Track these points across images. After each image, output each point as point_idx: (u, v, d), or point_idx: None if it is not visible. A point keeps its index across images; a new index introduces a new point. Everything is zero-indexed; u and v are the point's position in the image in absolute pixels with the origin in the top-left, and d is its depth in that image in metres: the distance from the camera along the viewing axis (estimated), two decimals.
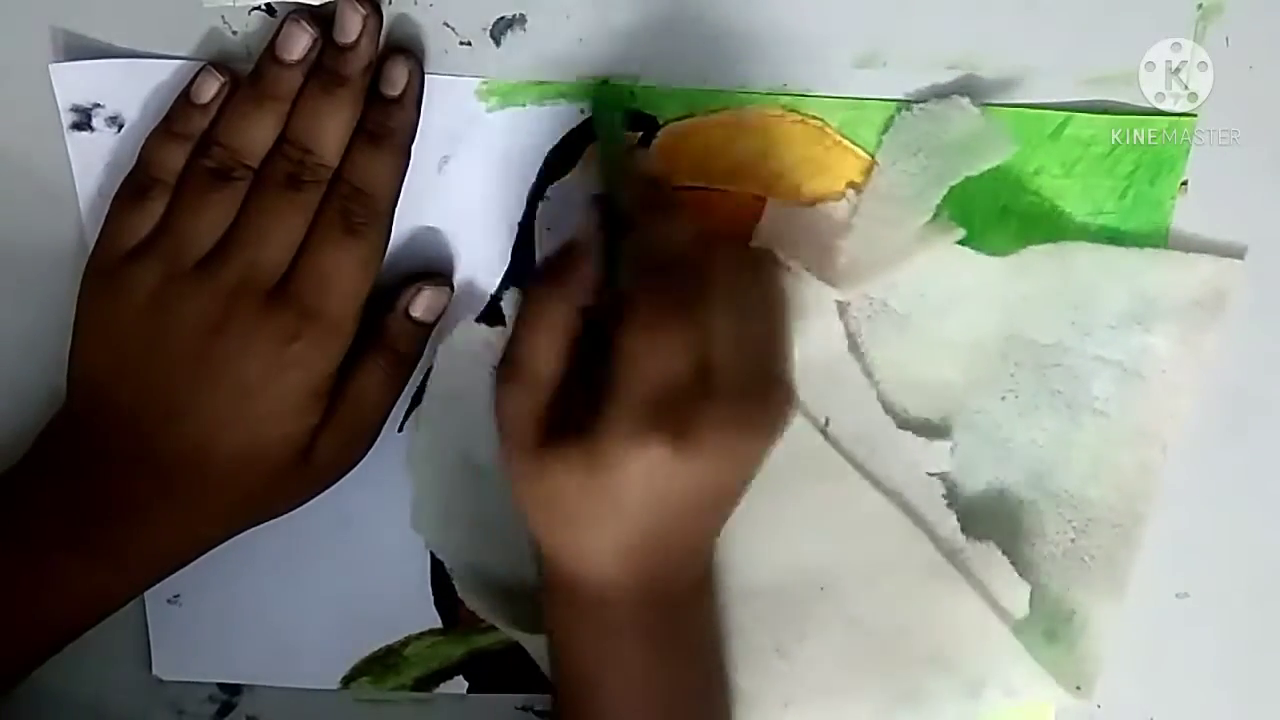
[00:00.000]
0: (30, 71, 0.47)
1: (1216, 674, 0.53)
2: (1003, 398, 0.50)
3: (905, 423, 0.49)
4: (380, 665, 0.54)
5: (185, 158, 0.45)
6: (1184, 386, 0.49)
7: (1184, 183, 0.48)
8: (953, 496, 0.49)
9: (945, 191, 0.47)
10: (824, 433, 0.49)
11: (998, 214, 0.48)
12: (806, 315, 0.48)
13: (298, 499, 0.48)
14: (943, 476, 0.49)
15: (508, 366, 0.43)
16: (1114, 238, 0.48)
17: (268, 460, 0.46)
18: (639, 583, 0.43)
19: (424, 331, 0.48)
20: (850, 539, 0.49)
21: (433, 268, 0.49)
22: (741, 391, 0.41)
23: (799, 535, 0.49)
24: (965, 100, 0.47)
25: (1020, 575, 0.49)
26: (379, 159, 0.46)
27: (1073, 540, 0.51)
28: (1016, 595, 0.49)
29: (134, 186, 0.46)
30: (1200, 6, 0.46)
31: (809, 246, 0.48)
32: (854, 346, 0.49)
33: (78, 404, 0.47)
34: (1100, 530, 0.50)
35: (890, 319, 0.49)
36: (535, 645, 0.51)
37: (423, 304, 0.48)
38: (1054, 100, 0.47)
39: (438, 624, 0.53)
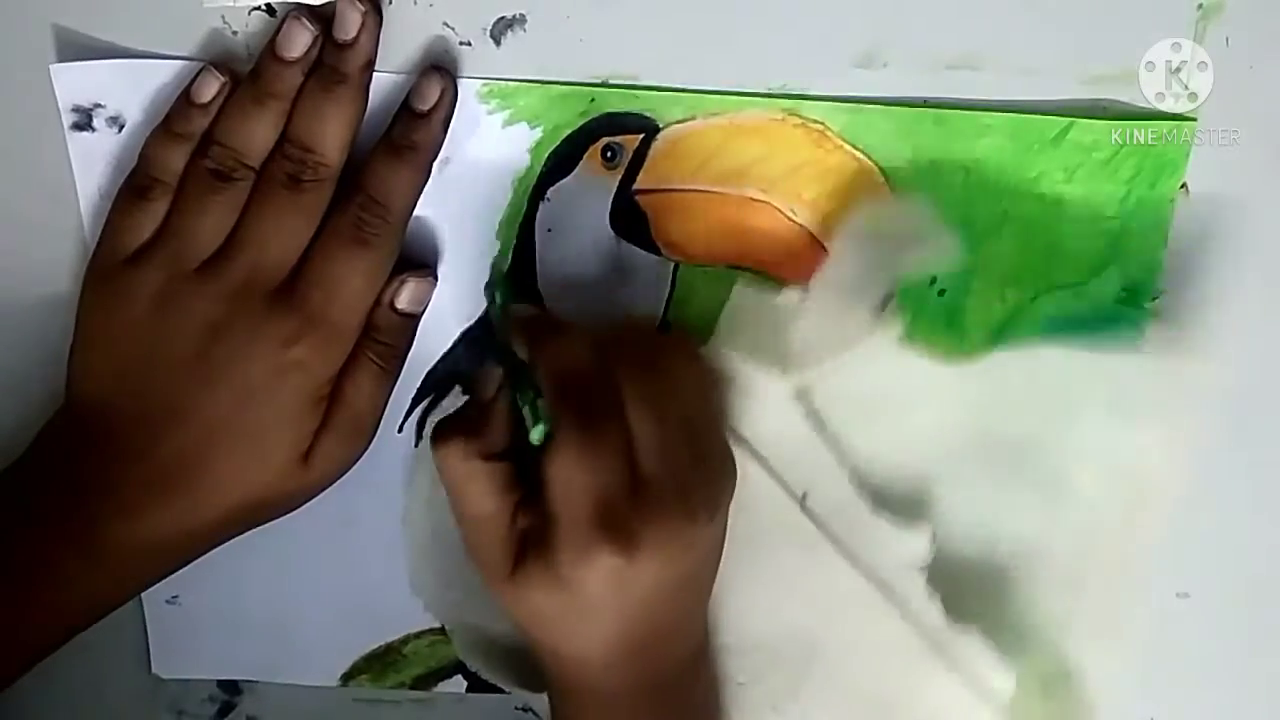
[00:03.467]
0: (31, 71, 0.47)
1: (1216, 674, 0.53)
2: (984, 490, 0.50)
3: (882, 505, 0.49)
4: (380, 663, 0.54)
5: (186, 158, 0.46)
6: (1171, 480, 0.50)
7: (1184, 185, 0.48)
8: (935, 579, 0.48)
9: (891, 286, 0.47)
10: (802, 506, 0.49)
11: (998, 219, 0.48)
12: (761, 399, 0.48)
13: (298, 500, 0.48)
14: (928, 566, 0.49)
15: (456, 517, 0.44)
16: (1115, 241, 0.48)
17: (268, 463, 0.46)
18: (633, 672, 0.44)
19: (411, 323, 0.48)
20: (833, 611, 0.49)
21: (432, 268, 0.49)
22: (672, 482, 0.42)
23: (784, 602, 0.49)
24: (921, 198, 0.47)
25: (1010, 635, 0.49)
26: (399, 172, 0.46)
27: (1065, 609, 0.50)
28: (1003, 679, 0.49)
29: (135, 187, 0.46)
30: (1200, 6, 0.46)
31: (766, 330, 0.48)
32: (821, 429, 0.49)
33: (78, 405, 0.47)
34: (1094, 594, 0.50)
35: (860, 408, 0.49)
36: (540, 703, 0.51)
37: (407, 295, 0.47)
38: (1054, 99, 0.47)
39: (437, 623, 0.54)
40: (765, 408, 0.47)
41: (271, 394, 0.45)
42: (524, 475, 0.43)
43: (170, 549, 0.47)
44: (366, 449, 0.49)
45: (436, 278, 0.49)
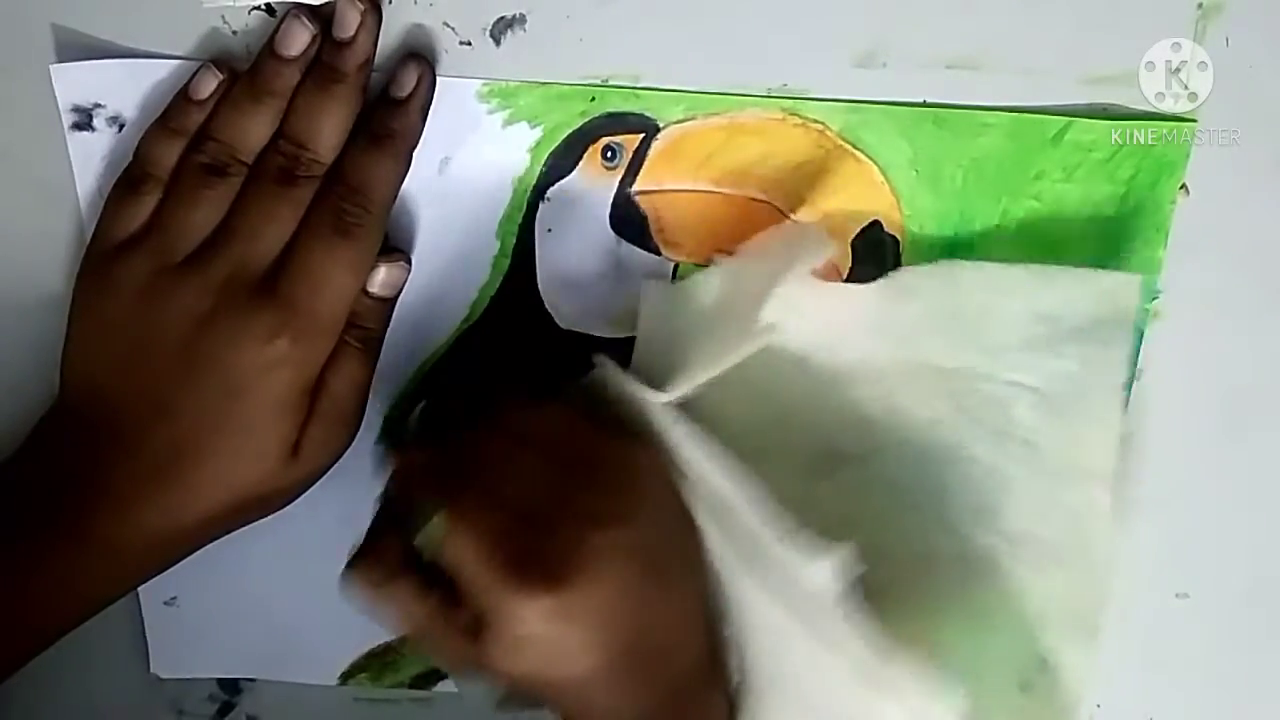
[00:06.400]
0: (31, 71, 0.47)
1: (1216, 674, 0.53)
2: (929, 428, 0.49)
3: (837, 467, 0.48)
4: (379, 662, 0.54)
5: (178, 153, 0.46)
6: (1107, 416, 0.49)
7: (1184, 186, 0.48)
8: (906, 539, 0.48)
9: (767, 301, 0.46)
10: (719, 533, 0.46)
11: (998, 218, 0.48)
12: (658, 430, 0.46)
13: (291, 493, 0.48)
14: (842, 596, 0.44)
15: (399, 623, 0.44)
16: (1114, 241, 0.48)
17: (257, 457, 0.46)
18: (640, 688, 0.43)
19: (386, 307, 0.48)
20: (770, 642, 0.47)
21: (431, 267, 0.49)
22: (562, 506, 0.42)
23: (741, 621, 0.47)
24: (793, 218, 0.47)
25: (983, 618, 0.48)
26: (379, 160, 0.46)
27: (1030, 580, 0.49)
28: (944, 707, 0.45)
29: (128, 181, 0.46)
30: (1200, 6, 0.46)
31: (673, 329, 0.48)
32: (758, 403, 0.49)
33: (70, 397, 0.47)
34: (1057, 574, 0.49)
35: (788, 359, 0.48)
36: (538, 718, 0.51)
37: (380, 280, 0.47)
38: (1054, 101, 0.47)
39: None
40: (664, 427, 0.46)
41: (257, 389, 0.45)
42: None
43: (163, 542, 0.46)
44: (354, 437, 0.48)
45: (409, 261, 0.48)
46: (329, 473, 0.50)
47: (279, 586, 0.53)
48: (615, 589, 0.42)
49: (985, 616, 0.49)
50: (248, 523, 0.48)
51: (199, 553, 0.48)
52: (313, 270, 0.45)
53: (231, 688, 0.55)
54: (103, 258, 0.46)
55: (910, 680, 0.44)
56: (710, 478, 0.45)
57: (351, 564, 0.44)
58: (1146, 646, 0.52)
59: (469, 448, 0.44)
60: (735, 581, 0.46)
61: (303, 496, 0.51)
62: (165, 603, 0.53)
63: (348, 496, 0.50)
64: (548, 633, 0.41)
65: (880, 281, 0.48)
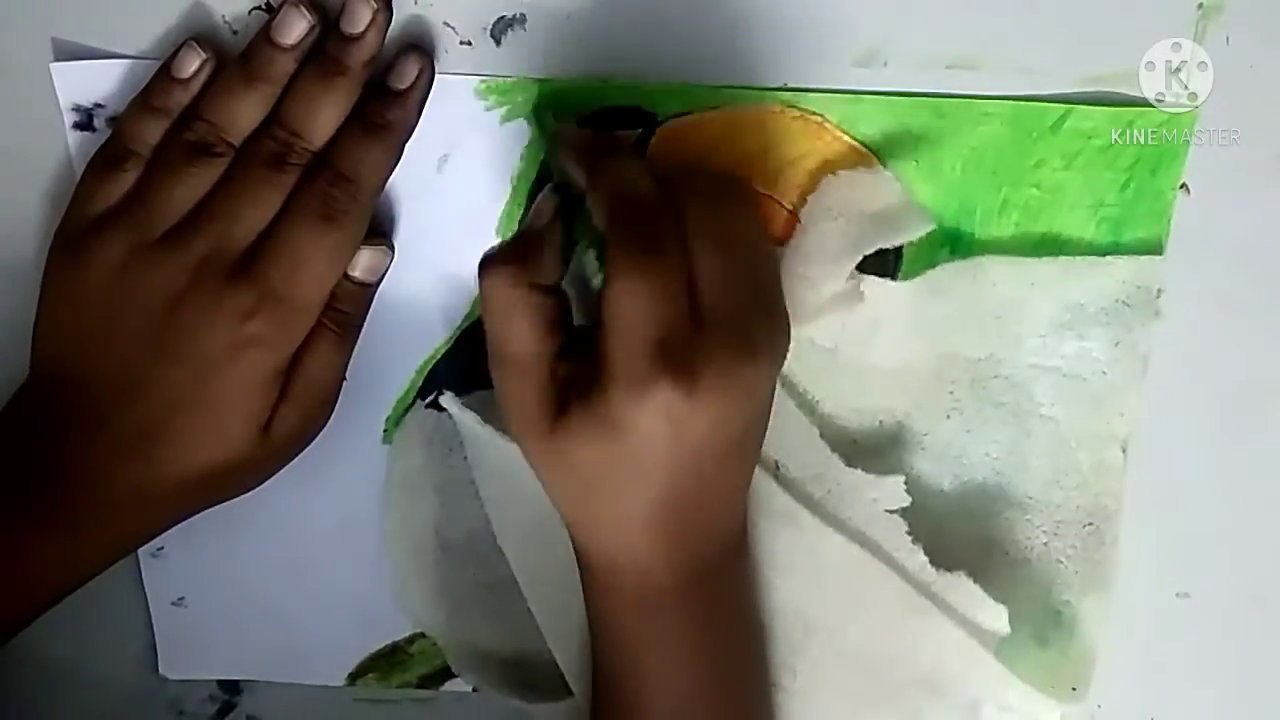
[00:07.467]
0: (32, 71, 0.47)
1: (1216, 674, 0.53)
2: (948, 416, 0.50)
3: (854, 458, 0.48)
4: (386, 662, 0.54)
5: (161, 132, 0.46)
6: (1128, 385, 0.49)
7: (1184, 185, 0.48)
8: (916, 527, 0.48)
9: (859, 258, 0.47)
10: (776, 476, 0.48)
11: (999, 207, 0.48)
12: None
13: (260, 475, 0.48)
14: (903, 512, 0.48)
15: (494, 359, 0.43)
16: (1116, 228, 0.48)
17: (227, 436, 0.45)
18: (673, 549, 0.43)
19: (367, 292, 0.48)
20: (822, 580, 0.49)
21: (431, 265, 0.49)
22: (733, 318, 0.40)
23: (773, 580, 0.49)
24: (889, 173, 0.47)
25: (997, 584, 0.48)
26: (371, 149, 0.46)
27: (1045, 544, 0.50)
28: (996, 618, 0.48)
29: (108, 157, 0.46)
30: (1200, 6, 0.46)
31: None
32: (789, 386, 0.49)
33: (40, 374, 0.46)
34: (1071, 530, 0.50)
35: (818, 354, 0.49)
36: (538, 712, 0.51)
37: (363, 264, 0.47)
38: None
39: None
40: None
41: (229, 368, 0.45)
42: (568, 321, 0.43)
43: (131, 523, 0.46)
44: (328, 419, 0.48)
45: (392, 246, 0.48)
46: (333, 474, 0.50)
47: (287, 588, 0.53)
48: (727, 427, 0.40)
49: (1002, 580, 0.49)
50: (220, 501, 0.47)
51: (207, 553, 0.48)
52: (293, 254, 0.45)
53: (231, 688, 0.55)
54: (78, 232, 0.45)
55: (967, 593, 0.48)
56: (782, 418, 0.47)
57: (504, 257, 0.42)
58: (1146, 646, 0.52)
59: (685, 185, 0.42)
60: (792, 529, 0.48)
61: (310, 498, 0.51)
62: (173, 603, 0.53)
63: (354, 500, 0.50)
64: (646, 430, 0.39)
65: (915, 281, 0.48)
